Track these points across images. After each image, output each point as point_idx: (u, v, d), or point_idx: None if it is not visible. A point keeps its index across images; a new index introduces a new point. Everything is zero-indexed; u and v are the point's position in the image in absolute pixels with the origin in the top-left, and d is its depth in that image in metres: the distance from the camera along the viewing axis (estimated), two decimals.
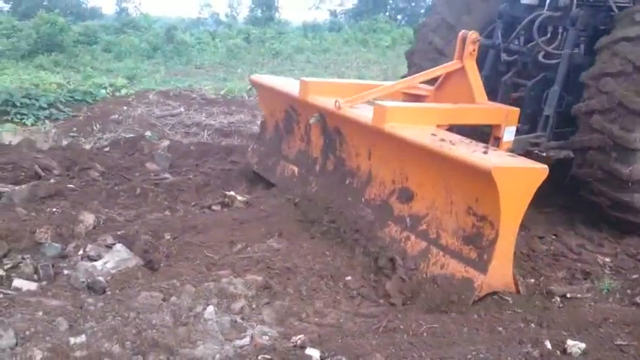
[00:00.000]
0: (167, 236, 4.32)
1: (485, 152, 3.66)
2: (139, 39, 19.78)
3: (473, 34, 4.91)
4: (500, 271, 3.62)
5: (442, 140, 3.84)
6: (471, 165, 3.50)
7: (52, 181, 5.06)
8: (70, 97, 9.36)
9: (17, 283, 3.48)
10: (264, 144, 5.92)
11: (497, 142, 4.79)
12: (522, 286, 3.76)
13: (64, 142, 7.23)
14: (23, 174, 5.24)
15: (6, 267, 3.65)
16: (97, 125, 8.16)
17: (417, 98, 5.43)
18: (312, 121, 4.96)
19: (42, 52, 16.19)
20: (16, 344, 2.73)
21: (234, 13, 36.28)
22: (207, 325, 3.13)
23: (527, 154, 4.75)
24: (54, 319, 2.96)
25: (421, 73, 5.01)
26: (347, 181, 4.80)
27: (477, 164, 3.47)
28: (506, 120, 4.72)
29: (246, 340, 3.09)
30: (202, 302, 3.36)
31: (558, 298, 3.81)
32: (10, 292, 3.37)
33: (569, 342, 3.13)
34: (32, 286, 3.48)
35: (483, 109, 4.69)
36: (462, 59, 4.98)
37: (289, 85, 5.28)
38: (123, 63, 16.19)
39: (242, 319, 3.34)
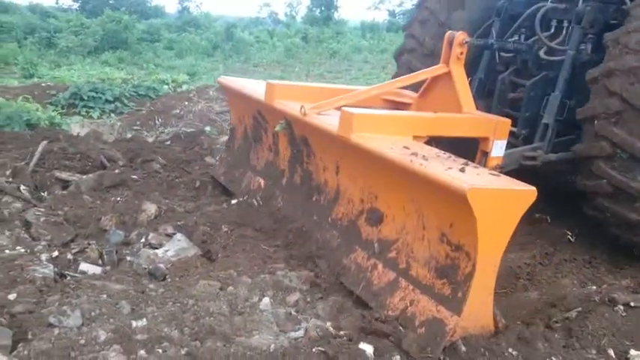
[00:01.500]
0: (224, 228, 4.31)
1: (462, 170, 3.09)
2: (199, 37, 20.55)
3: (460, 36, 4.36)
4: (478, 312, 3.05)
5: (413, 154, 3.28)
6: (444, 185, 2.94)
7: (116, 171, 5.27)
8: (134, 91, 9.83)
9: (83, 266, 3.63)
10: (232, 153, 5.38)
11: (485, 157, 4.22)
12: (504, 327, 3.19)
13: (128, 135, 7.39)
14: (90, 164, 5.45)
15: (73, 251, 3.83)
16: (159, 119, 8.43)
17: (399, 106, 4.88)
18: (277, 128, 4.42)
19: (107, 48, 16.85)
20: (82, 324, 2.87)
21: (292, 12, 36.69)
22: (263, 316, 3.18)
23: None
24: (117, 302, 3.09)
25: (400, 78, 4.47)
26: (314, 198, 4.25)
27: (450, 184, 2.90)
28: (495, 132, 4.15)
29: (301, 333, 3.10)
30: (258, 293, 3.40)
31: (622, 307, 3.48)
32: (77, 275, 3.53)
33: (633, 352, 3.04)
34: (97, 270, 3.63)
35: (469, 120, 4.12)
36: (447, 63, 4.43)
37: (257, 88, 4.74)
38: (184, 60, 16.72)
39: (296, 311, 3.34)
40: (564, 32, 4.74)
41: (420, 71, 4.52)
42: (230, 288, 3.38)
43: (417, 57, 5.43)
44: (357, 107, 3.90)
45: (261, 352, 2.80)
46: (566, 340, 3.20)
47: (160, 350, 2.73)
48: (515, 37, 5.05)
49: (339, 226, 3.93)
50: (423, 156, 3.27)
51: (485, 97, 5.16)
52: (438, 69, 4.48)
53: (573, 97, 4.51)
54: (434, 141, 4.29)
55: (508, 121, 4.22)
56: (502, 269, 4.16)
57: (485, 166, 4.21)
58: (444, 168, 3.08)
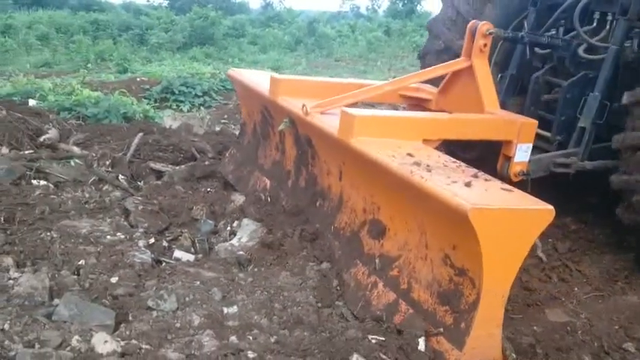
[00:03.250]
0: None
1: (468, 184, 2.71)
2: (282, 32, 21.29)
3: (484, 25, 3.94)
4: (483, 346, 2.68)
5: (416, 164, 2.91)
6: (444, 202, 2.58)
7: (206, 163, 5.35)
8: (222, 86, 10.26)
9: (177, 254, 3.75)
10: (242, 150, 5.10)
11: (508, 163, 3.81)
12: None
13: (217, 128, 7.51)
14: (182, 155, 5.57)
15: (168, 239, 3.98)
16: None
17: (417, 102, 4.49)
18: (281, 127, 4.11)
19: (195, 44, 17.51)
20: (178, 308, 2.97)
21: (375, 5, 36.61)
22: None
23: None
24: (210, 289, 3.18)
25: (417, 72, 4.07)
26: (318, 203, 3.93)
27: (450, 202, 2.54)
28: (520, 135, 3.73)
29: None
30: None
31: None
32: (171, 261, 3.67)
33: None
34: (190, 257, 3.76)
35: (488, 121, 3.71)
36: (469, 56, 4.01)
37: (264, 82, 4.42)
38: (267, 55, 17.36)
39: None
40: (608, 27, 4.23)
41: (439, 65, 4.12)
42: (310, 281, 3.36)
43: (441, 59, 4.96)
44: (366, 106, 3.55)
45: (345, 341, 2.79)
46: None
47: (251, 337, 2.80)
48: (553, 31, 4.55)
49: (341, 236, 3.61)
50: (427, 166, 2.91)
51: (518, 95, 4.69)
52: (458, 62, 4.07)
53: (615, 99, 4.02)
54: (458, 145, 3.92)
55: (534, 122, 3.79)
56: (597, 271, 4.04)
57: (507, 172, 3.81)
58: (448, 181, 2.71)
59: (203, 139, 6.16)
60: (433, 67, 4.09)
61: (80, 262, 3.35)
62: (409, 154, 3.07)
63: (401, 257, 3.12)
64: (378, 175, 3.17)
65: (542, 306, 3.61)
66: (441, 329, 2.74)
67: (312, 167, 4.01)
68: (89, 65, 13.19)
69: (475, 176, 2.87)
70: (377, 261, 3.27)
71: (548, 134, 4.30)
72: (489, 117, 3.73)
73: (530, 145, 3.80)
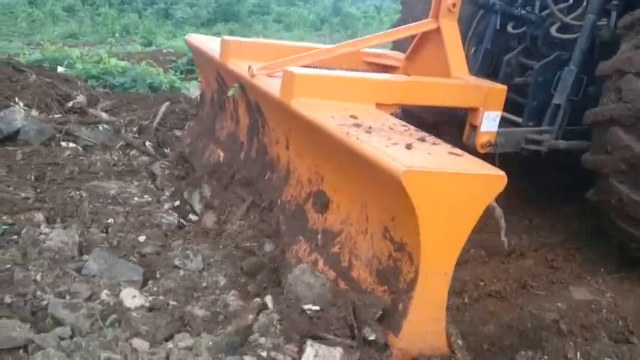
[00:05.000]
0: None
1: (409, 146, 2.37)
2: (307, 11, 21.36)
3: None
4: (424, 331, 2.36)
5: (356, 126, 2.58)
6: (379, 166, 2.24)
7: None
8: None
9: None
10: (200, 121, 4.77)
11: (474, 132, 3.47)
12: (461, 351, 2.48)
13: None
14: None
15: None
16: None
17: (384, 69, 4.14)
18: (230, 93, 3.77)
19: (220, 20, 17.47)
20: (203, 269, 3.03)
21: None
22: None
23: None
24: (232, 252, 3.17)
25: (377, 34, 3.70)
26: (267, 176, 3.60)
27: (384, 165, 2.21)
28: (487, 102, 3.39)
29: None
30: None
31: None
32: (195, 224, 3.64)
33: None
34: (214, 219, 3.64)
35: (451, 85, 3.37)
36: (437, 17, 3.66)
37: (218, 47, 4.07)
38: (292, 33, 17.62)
39: None
40: (585, 3, 3.86)
41: (403, 27, 3.78)
42: None
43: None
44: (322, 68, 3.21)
45: None
46: None
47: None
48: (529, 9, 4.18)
49: (287, 210, 3.28)
50: (369, 128, 2.57)
51: (492, 74, 4.32)
52: (425, 24, 3.73)
53: (592, 77, 3.65)
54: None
55: (503, 87, 3.45)
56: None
57: (473, 142, 3.48)
58: (387, 144, 2.37)
59: None
60: (397, 28, 3.74)
61: (109, 221, 3.39)
62: (353, 117, 2.73)
63: (343, 232, 2.80)
64: (320, 141, 2.84)
65: (567, 284, 3.53)
66: (377, 312, 2.41)
67: (262, 136, 3.68)
68: (115, 37, 13.09)
69: (422, 139, 2.53)
70: (319, 237, 2.94)
71: (520, 120, 3.95)
72: (453, 81, 3.39)
73: (499, 114, 3.46)
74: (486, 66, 4.31)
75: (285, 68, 3.00)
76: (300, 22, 19.46)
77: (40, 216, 3.28)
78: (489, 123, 3.41)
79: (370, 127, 2.57)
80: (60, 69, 6.99)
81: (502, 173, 2.24)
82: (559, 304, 3.21)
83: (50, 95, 5.20)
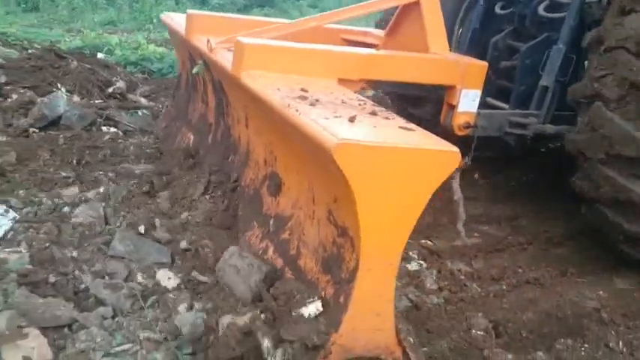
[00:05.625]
0: None
1: (352, 119, 2.10)
2: None
3: None
4: (366, 327, 2.10)
5: (301, 98, 2.32)
6: (313, 139, 1.98)
7: None
8: None
9: None
10: (175, 104, 4.56)
11: (451, 112, 3.19)
12: (414, 351, 2.22)
13: None
14: None
15: None
16: None
17: (364, 47, 3.86)
18: (195, 70, 3.55)
19: (255, 6, 17.44)
20: None
21: None
22: None
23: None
24: None
25: (353, 6, 3.42)
26: (230, 158, 3.37)
27: (316, 137, 1.95)
28: (465, 80, 3.10)
29: None
30: None
31: None
32: None
33: None
34: None
35: (426, 60, 3.09)
36: None
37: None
38: None
39: None
40: None
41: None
42: None
43: None
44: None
45: None
46: None
47: None
48: None
49: (245, 194, 3.04)
50: (316, 100, 2.31)
51: (481, 56, 4.02)
52: None
53: (582, 57, 3.34)
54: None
55: (484, 64, 3.16)
56: None
57: (450, 123, 3.20)
58: (328, 116, 2.11)
59: None
60: (371, 0, 3.44)
61: (133, 200, 3.33)
62: (303, 90, 2.47)
63: (293, 217, 2.55)
64: (270, 117, 2.59)
65: (609, 272, 3.35)
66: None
67: (226, 116, 3.45)
68: (153, 23, 13.16)
69: (373, 113, 2.26)
70: (271, 222, 2.70)
71: (507, 106, 3.66)
72: (427, 56, 3.11)
73: (479, 93, 3.17)
74: (474, 47, 4.01)
75: (237, 38, 2.75)
76: (336, 6, 19.56)
77: (72, 191, 3.36)
78: (468, 102, 3.13)
79: (317, 100, 2.31)
80: (100, 55, 7.10)
81: (455, 149, 1.96)
82: (600, 292, 3.08)
83: (91, 81, 5.30)
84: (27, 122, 4.24)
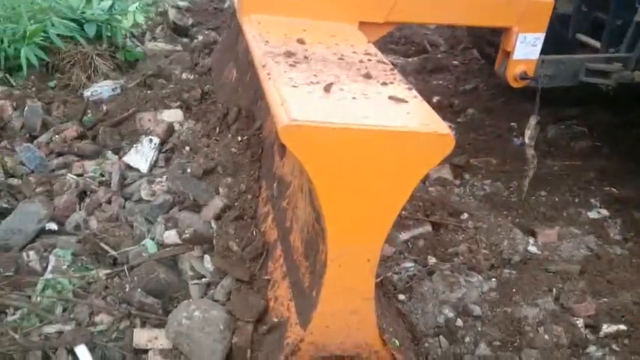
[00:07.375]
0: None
1: (328, 87, 1.74)
2: None
3: None
4: (341, 325, 1.85)
5: (288, 54, 1.99)
6: (272, 113, 1.68)
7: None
8: None
9: None
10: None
11: (506, 60, 2.68)
12: (400, 352, 1.94)
13: None
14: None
15: None
16: None
17: None
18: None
19: None
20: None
21: None
22: None
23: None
24: None
25: None
26: (258, 103, 3.12)
27: (273, 113, 1.65)
28: (522, 20, 2.56)
29: None
30: None
31: None
32: None
33: None
34: None
35: None
36: None
37: None
38: None
39: None
40: None
41: None
42: None
43: None
44: None
45: None
46: None
47: None
48: None
49: (266, 142, 2.81)
50: (304, 58, 1.97)
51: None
52: None
53: None
54: None
55: (549, 1, 2.57)
56: None
57: (504, 74, 2.70)
58: (301, 83, 1.77)
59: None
60: None
61: None
62: (299, 40, 2.13)
63: (291, 185, 2.29)
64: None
65: None
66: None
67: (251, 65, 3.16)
68: None
69: (367, 76, 1.88)
70: (275, 185, 2.46)
71: (597, 45, 3.04)
72: None
73: (541, 36, 2.61)
74: None
75: None
76: None
77: None
78: (526, 48, 2.60)
79: (307, 57, 1.97)
80: None
81: (447, 131, 1.58)
82: None
83: None
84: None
